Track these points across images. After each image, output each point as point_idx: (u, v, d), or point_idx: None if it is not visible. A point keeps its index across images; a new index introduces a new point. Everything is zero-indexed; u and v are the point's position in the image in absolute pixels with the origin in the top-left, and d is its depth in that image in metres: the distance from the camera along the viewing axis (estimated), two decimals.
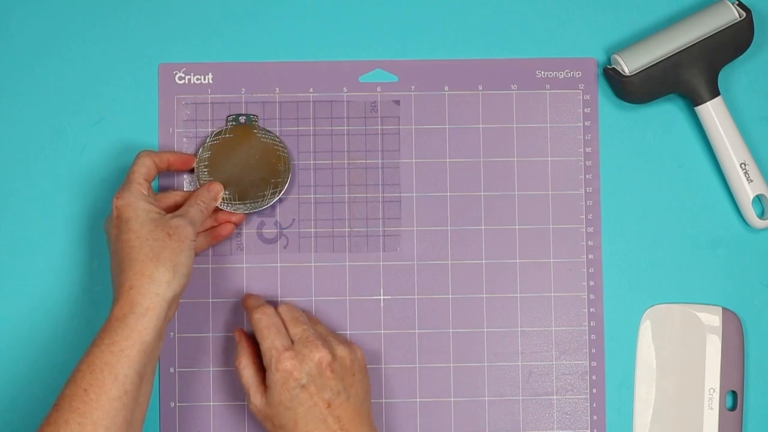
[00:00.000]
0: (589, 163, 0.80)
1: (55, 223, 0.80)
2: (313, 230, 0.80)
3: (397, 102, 0.81)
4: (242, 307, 0.78)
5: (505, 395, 0.79)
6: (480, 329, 0.79)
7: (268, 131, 0.80)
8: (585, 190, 0.80)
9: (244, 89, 0.81)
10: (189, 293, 0.79)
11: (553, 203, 0.80)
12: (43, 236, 0.80)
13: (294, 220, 0.80)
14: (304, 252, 0.80)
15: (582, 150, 0.81)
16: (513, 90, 0.81)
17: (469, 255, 0.80)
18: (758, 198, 0.79)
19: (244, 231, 0.80)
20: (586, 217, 0.80)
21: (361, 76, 0.81)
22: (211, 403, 0.79)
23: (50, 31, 0.82)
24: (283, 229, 0.80)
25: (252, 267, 0.79)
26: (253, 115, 0.80)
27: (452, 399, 0.79)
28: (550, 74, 0.81)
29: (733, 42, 0.79)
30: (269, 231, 0.80)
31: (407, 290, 0.80)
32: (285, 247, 0.80)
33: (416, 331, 0.79)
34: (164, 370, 0.79)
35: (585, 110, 0.81)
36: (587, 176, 0.80)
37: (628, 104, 0.80)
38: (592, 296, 0.79)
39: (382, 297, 0.79)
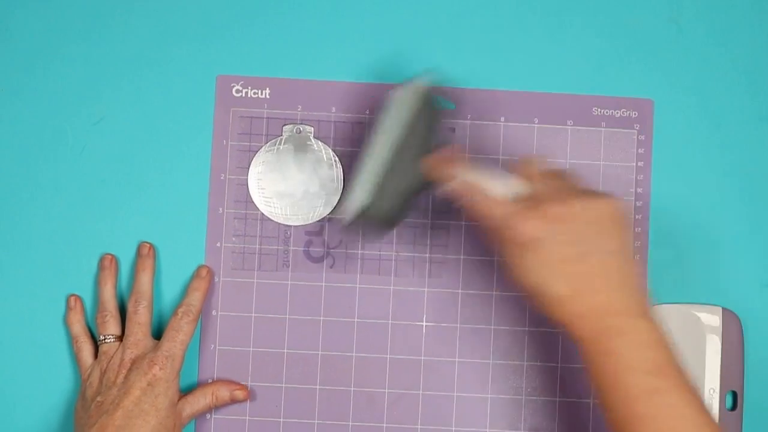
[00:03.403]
0: (639, 203, 0.80)
1: (55, 222, 0.80)
2: (359, 252, 0.80)
3: (453, 130, 0.81)
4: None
5: (540, 429, 0.79)
6: (520, 362, 0.79)
7: (324, 144, 0.80)
8: (634, 230, 0.80)
9: (300, 106, 0.81)
10: (232, 307, 0.79)
11: None
12: (43, 236, 0.80)
13: (342, 240, 0.80)
14: (350, 273, 0.80)
15: (633, 190, 0.80)
16: (568, 125, 0.81)
17: (514, 287, 0.79)
18: None
19: (291, 248, 0.80)
20: (635, 257, 0.80)
21: None
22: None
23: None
24: (331, 249, 0.80)
25: (297, 284, 0.79)
26: (310, 127, 0.80)
27: (488, 430, 0.79)
28: (607, 112, 0.81)
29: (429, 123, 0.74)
30: (316, 250, 0.80)
31: (450, 318, 0.79)
32: (331, 267, 0.80)
33: (456, 359, 0.79)
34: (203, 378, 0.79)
35: (639, 150, 0.81)
36: (637, 216, 0.80)
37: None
38: None
39: (424, 323, 0.79)
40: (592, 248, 0.64)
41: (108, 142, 0.81)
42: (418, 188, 0.72)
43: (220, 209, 0.80)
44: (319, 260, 0.80)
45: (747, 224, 0.81)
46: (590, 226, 0.65)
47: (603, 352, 0.63)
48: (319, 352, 0.79)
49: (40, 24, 0.82)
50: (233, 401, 0.78)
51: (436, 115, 0.74)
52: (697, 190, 0.81)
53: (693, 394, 0.62)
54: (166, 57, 0.81)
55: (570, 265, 0.64)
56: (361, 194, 0.71)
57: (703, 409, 0.61)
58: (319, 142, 0.80)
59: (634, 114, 0.81)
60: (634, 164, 0.81)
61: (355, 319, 0.79)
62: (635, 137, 0.81)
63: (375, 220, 0.72)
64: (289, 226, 0.79)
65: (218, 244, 0.80)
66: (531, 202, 0.66)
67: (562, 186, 0.68)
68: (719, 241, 0.81)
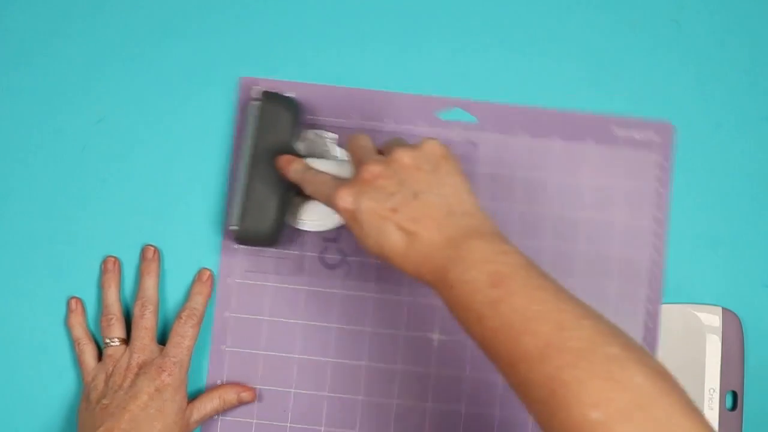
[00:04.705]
0: (657, 226, 0.80)
1: (56, 223, 0.80)
2: (375, 261, 0.80)
3: (474, 144, 0.81)
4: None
5: None
6: None
7: (343, 150, 0.79)
8: (651, 254, 0.80)
9: (321, 111, 0.81)
10: (244, 309, 0.79)
11: (617, 262, 0.80)
12: (43, 237, 0.80)
13: (358, 248, 0.80)
14: (365, 281, 0.79)
15: (652, 212, 0.81)
16: (589, 144, 0.81)
17: None
18: None
19: (306, 253, 0.79)
20: (650, 280, 0.80)
21: (440, 112, 0.81)
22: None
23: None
24: (346, 256, 0.80)
25: (311, 290, 0.79)
26: (333, 135, 0.80)
27: None
28: (627, 133, 0.81)
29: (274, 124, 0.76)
30: (332, 257, 0.80)
31: (461, 332, 0.79)
32: (347, 275, 0.79)
33: (466, 374, 0.79)
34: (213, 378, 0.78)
35: (658, 173, 0.81)
36: (654, 240, 0.80)
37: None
38: None
39: (436, 336, 0.79)
40: (417, 189, 0.64)
41: (109, 142, 0.81)
42: (285, 189, 0.75)
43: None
44: (334, 267, 0.80)
45: (747, 224, 0.81)
46: (410, 171, 0.65)
47: (448, 286, 0.61)
48: (330, 360, 0.79)
49: (40, 23, 0.82)
50: (240, 403, 0.78)
51: (289, 117, 0.76)
52: (698, 190, 0.81)
53: (538, 289, 0.59)
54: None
55: (396, 214, 0.63)
56: (235, 217, 0.75)
57: (553, 302, 0.58)
58: (338, 149, 0.79)
59: (655, 137, 0.81)
60: (654, 187, 0.81)
61: (368, 328, 0.79)
62: (655, 160, 0.81)
63: (254, 237, 0.75)
64: (306, 231, 0.79)
65: (234, 246, 0.79)
66: (354, 175, 0.67)
67: (384, 150, 0.69)
68: (719, 242, 0.81)
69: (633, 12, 0.82)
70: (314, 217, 0.78)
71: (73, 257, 0.80)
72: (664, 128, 0.81)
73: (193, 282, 0.79)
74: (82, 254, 0.80)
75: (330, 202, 0.67)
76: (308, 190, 0.71)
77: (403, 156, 0.65)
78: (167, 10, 0.82)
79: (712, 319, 0.80)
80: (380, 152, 0.70)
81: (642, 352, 0.56)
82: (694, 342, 0.80)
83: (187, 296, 0.78)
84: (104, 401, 0.73)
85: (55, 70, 0.81)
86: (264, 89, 0.77)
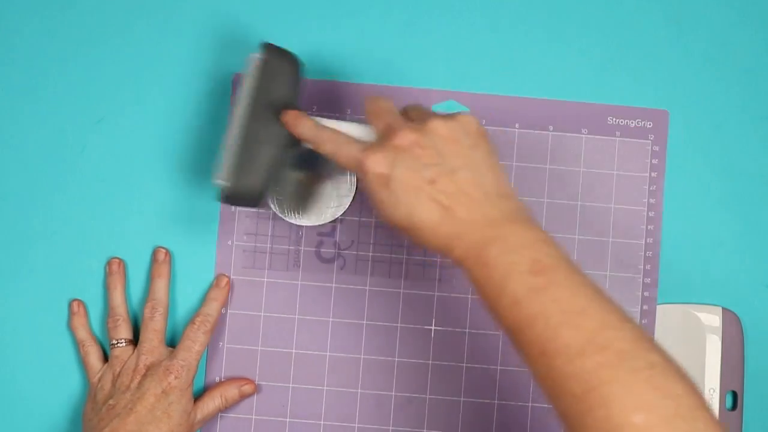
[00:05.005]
0: (652, 213, 0.80)
1: (57, 224, 0.81)
2: (370, 254, 0.80)
3: None
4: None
5: None
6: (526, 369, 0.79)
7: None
8: (645, 241, 0.80)
9: (315, 107, 0.81)
10: (241, 305, 0.79)
11: (612, 250, 0.80)
12: (44, 238, 0.80)
13: (353, 242, 0.80)
14: (360, 275, 0.80)
15: (646, 200, 0.80)
16: (583, 134, 0.81)
17: None
18: None
19: (302, 248, 0.80)
20: (644, 267, 0.80)
21: (434, 105, 0.81)
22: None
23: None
24: (342, 250, 0.80)
25: (307, 285, 0.79)
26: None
27: None
28: (621, 122, 0.81)
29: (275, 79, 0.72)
30: (327, 251, 0.80)
31: (458, 323, 0.79)
32: (342, 268, 0.80)
33: (464, 365, 0.79)
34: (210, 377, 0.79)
35: (653, 161, 0.81)
36: (649, 227, 0.80)
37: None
38: None
39: (433, 327, 0.79)
40: (455, 165, 0.62)
41: (109, 142, 0.81)
42: (282, 147, 0.70)
43: (233, 207, 0.80)
44: (329, 261, 0.80)
45: (747, 224, 0.81)
46: (448, 144, 0.63)
47: (482, 264, 0.60)
48: (328, 353, 0.79)
49: (40, 23, 0.82)
50: (242, 397, 0.78)
51: (291, 71, 0.72)
52: (699, 189, 0.81)
53: (581, 285, 0.58)
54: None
55: (432, 186, 0.61)
56: (225, 172, 0.70)
57: (597, 301, 0.57)
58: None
59: (648, 124, 0.81)
60: (648, 174, 0.80)
61: (364, 321, 0.79)
62: (649, 147, 0.81)
63: (243, 195, 0.70)
64: (301, 226, 0.79)
65: (230, 242, 0.80)
66: (381, 139, 0.64)
67: (416, 116, 0.67)
68: (719, 241, 0.81)
69: (626, 3, 0.82)
70: (312, 213, 0.78)
71: (73, 258, 0.80)
72: (658, 115, 0.81)
73: (210, 287, 0.79)
74: (83, 255, 0.80)
75: (355, 165, 0.64)
76: (326, 148, 0.67)
77: (441, 127, 0.63)
78: (167, 9, 0.82)
79: (712, 319, 0.80)
80: (405, 118, 0.67)
81: (677, 363, 0.55)
82: (694, 342, 0.79)
83: (203, 300, 0.79)
84: (111, 402, 0.73)
85: (55, 70, 0.82)
86: (265, 42, 0.73)
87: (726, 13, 0.82)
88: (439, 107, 0.81)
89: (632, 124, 0.81)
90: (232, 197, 0.70)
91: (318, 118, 0.70)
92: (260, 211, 0.80)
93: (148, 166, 0.81)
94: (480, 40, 0.82)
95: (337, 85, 0.81)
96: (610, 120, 0.81)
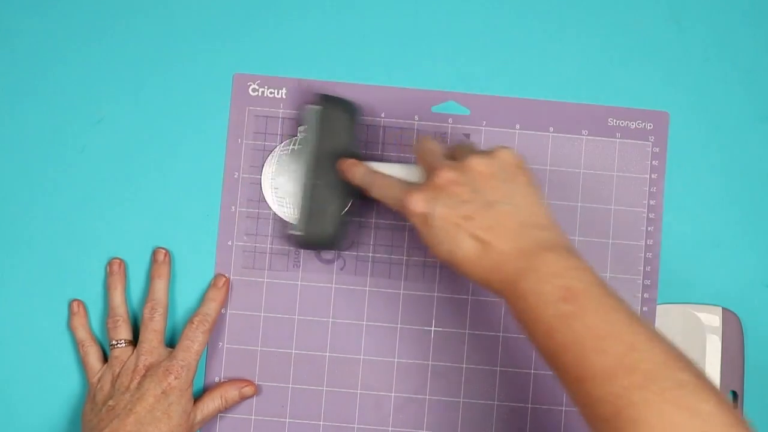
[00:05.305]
0: (652, 215, 0.80)
1: (57, 224, 0.80)
2: (370, 255, 0.80)
3: (467, 135, 0.81)
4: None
5: None
6: (527, 370, 0.79)
7: None
8: (645, 242, 0.80)
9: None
10: (241, 305, 0.79)
11: (612, 251, 0.80)
12: (44, 238, 0.80)
13: (353, 242, 0.80)
14: (360, 276, 0.80)
15: (646, 202, 0.80)
16: (583, 135, 0.81)
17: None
18: None
19: (302, 249, 0.80)
20: (645, 269, 0.80)
21: (434, 106, 0.81)
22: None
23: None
24: (342, 250, 0.80)
25: (306, 285, 0.80)
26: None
27: None
28: (622, 123, 0.81)
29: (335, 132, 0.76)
30: (327, 251, 0.80)
31: (458, 324, 0.80)
32: (341, 269, 0.80)
33: (464, 365, 0.79)
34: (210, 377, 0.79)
35: (653, 162, 0.81)
36: (649, 228, 0.80)
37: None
38: None
39: (433, 328, 0.79)
40: (492, 199, 0.64)
41: (109, 142, 0.81)
42: (346, 193, 0.75)
43: (233, 207, 0.80)
44: (329, 262, 0.80)
45: (747, 224, 0.81)
46: (485, 179, 0.65)
47: (519, 296, 0.61)
48: (327, 354, 0.79)
49: (41, 23, 0.82)
50: (242, 399, 0.78)
51: (348, 118, 0.76)
52: (700, 191, 0.81)
53: (612, 309, 0.59)
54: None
55: (470, 222, 0.63)
56: (298, 223, 0.75)
57: (626, 323, 0.58)
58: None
59: (649, 126, 0.81)
60: (648, 176, 0.81)
61: (364, 322, 0.79)
62: (650, 149, 0.81)
63: (317, 241, 0.76)
64: None
65: (230, 243, 0.80)
66: (424, 179, 0.67)
67: (455, 155, 0.69)
68: (719, 241, 0.81)
69: (627, 4, 0.82)
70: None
71: (73, 258, 0.80)
72: (659, 116, 0.81)
73: (209, 288, 0.79)
74: (83, 255, 0.80)
75: (400, 206, 0.67)
76: (375, 193, 0.71)
77: (478, 163, 0.65)
78: (167, 9, 0.82)
79: (712, 319, 0.80)
80: (448, 157, 0.69)
81: (710, 381, 0.56)
82: (694, 342, 0.79)
83: (201, 300, 0.79)
84: (110, 402, 0.74)
85: (55, 70, 0.82)
86: (321, 93, 0.77)
87: (726, 14, 0.82)
88: (439, 108, 0.81)
89: (632, 125, 0.81)
90: (307, 244, 0.76)
91: (371, 163, 0.73)
92: (260, 211, 0.80)
93: (148, 166, 0.81)
94: (480, 40, 0.82)
95: (337, 86, 0.81)
96: (611, 121, 0.81)
